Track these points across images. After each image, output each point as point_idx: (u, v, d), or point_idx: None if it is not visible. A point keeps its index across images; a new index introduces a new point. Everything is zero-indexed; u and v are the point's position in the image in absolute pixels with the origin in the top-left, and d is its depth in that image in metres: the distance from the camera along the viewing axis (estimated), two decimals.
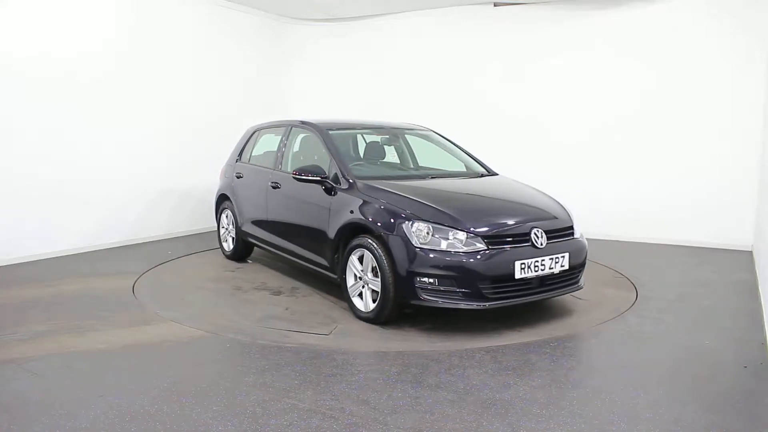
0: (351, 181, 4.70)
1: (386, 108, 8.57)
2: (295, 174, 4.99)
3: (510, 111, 8.10)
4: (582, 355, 3.79)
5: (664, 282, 5.54)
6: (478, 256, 3.99)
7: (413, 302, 4.10)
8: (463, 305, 4.01)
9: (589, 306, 4.78)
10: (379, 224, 4.25)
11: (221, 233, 6.68)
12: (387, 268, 4.12)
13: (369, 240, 4.29)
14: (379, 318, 4.27)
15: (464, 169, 5.53)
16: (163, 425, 2.81)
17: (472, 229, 4.08)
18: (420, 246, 4.04)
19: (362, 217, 4.40)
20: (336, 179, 4.80)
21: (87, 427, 2.79)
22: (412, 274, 4.03)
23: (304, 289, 5.34)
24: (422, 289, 4.03)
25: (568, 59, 7.74)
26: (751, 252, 6.74)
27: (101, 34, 6.68)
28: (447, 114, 8.18)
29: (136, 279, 5.51)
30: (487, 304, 4.02)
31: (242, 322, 4.40)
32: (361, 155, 5.66)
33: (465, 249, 4.01)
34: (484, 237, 4.06)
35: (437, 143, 5.86)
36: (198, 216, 8.01)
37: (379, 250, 4.18)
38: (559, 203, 4.82)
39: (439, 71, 8.51)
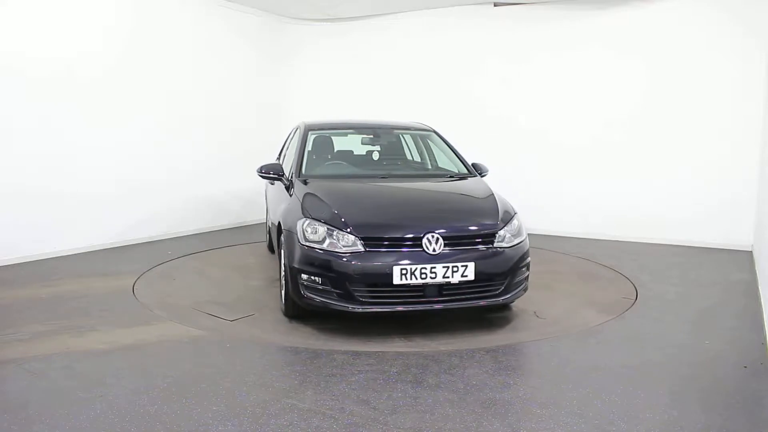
0: (297, 179, 4.84)
1: (386, 108, 8.56)
2: (258, 171, 5.20)
3: (510, 111, 8.09)
4: (582, 355, 3.79)
5: (664, 282, 5.53)
6: (352, 258, 3.93)
7: (300, 298, 4.11)
8: (335, 306, 3.97)
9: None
10: (285, 221, 4.42)
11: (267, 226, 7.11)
12: (286, 264, 4.21)
13: (282, 236, 4.43)
14: (288, 313, 4.37)
15: (443, 170, 5.45)
16: (163, 425, 2.81)
17: (353, 230, 4.01)
18: (304, 244, 4.08)
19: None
20: (290, 178, 4.97)
21: (87, 427, 2.79)
22: (296, 271, 4.08)
23: None
24: (305, 286, 4.06)
25: (568, 59, 7.74)
26: (751, 252, 6.74)
27: (101, 33, 6.68)
28: (447, 114, 8.16)
29: (136, 279, 5.52)
30: (361, 308, 3.93)
31: (181, 303, 4.78)
32: (345, 155, 5.72)
33: (342, 250, 3.97)
34: (366, 239, 3.97)
35: (434, 143, 5.85)
36: (199, 216, 8.01)
37: (284, 246, 4.31)
38: (498, 209, 4.36)
39: (439, 71, 8.51)
